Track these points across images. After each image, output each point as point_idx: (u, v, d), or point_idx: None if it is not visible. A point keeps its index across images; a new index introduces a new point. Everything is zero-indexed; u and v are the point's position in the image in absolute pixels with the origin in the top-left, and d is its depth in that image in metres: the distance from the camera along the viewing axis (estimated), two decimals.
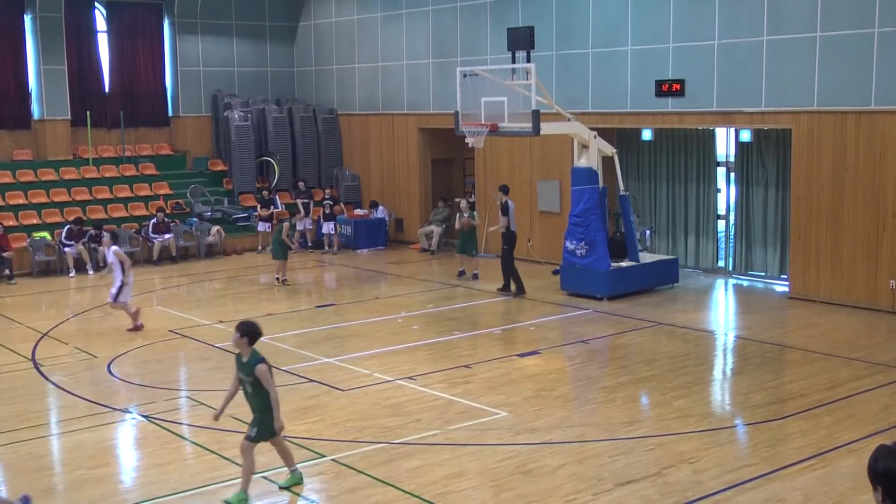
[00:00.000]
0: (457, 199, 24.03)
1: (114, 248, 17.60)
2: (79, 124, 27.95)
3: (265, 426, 9.74)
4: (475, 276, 21.84)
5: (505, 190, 20.75)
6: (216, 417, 10.10)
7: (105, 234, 18.40)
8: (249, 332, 9.87)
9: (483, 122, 18.98)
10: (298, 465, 10.24)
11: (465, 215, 22.04)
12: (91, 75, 28.66)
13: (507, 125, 18.78)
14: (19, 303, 20.87)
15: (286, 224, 22.37)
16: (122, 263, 17.38)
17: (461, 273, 22.09)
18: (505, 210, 20.24)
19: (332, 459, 10.81)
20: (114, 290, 17.39)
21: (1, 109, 27.27)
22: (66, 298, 21.51)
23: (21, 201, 25.92)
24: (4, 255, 23.02)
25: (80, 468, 10.84)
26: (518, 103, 18.72)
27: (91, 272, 23.81)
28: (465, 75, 19.65)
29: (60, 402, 13.55)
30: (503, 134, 19.26)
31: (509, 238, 20.21)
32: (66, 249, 23.99)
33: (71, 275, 23.65)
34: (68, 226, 24.38)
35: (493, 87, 19.30)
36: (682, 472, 10.25)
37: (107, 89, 28.96)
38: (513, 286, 20.03)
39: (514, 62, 19.04)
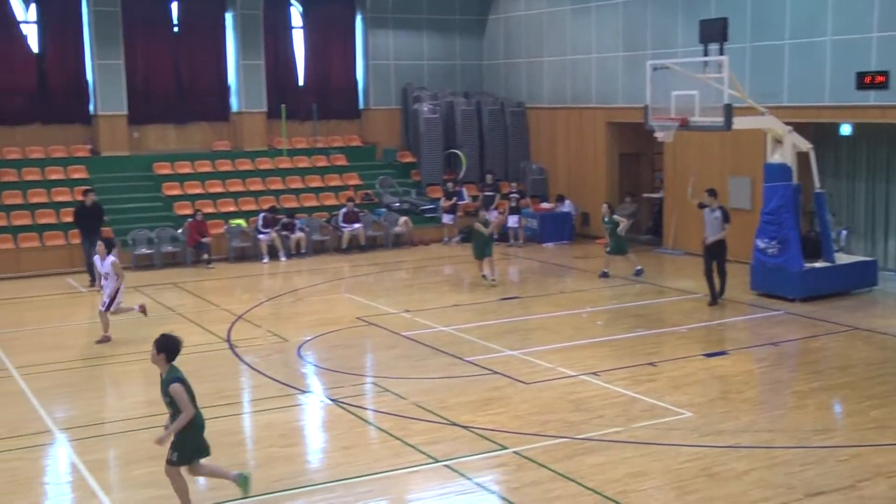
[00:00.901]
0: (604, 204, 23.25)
1: (111, 258, 16.63)
2: (274, 116, 28.97)
3: (184, 448, 9.15)
4: (638, 273, 21.49)
5: (714, 194, 18.98)
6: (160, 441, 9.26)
7: (99, 242, 17.11)
8: (166, 347, 9.23)
9: (673, 116, 18.63)
10: (480, 455, 10.28)
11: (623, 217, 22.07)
12: (286, 69, 29.66)
13: (698, 119, 18.38)
14: (216, 286, 21.82)
15: (484, 215, 22.16)
16: (116, 275, 16.58)
17: (604, 274, 21.67)
18: (727, 217, 18.56)
19: (514, 452, 10.85)
20: (106, 300, 16.53)
21: (203, 102, 28.58)
22: (260, 283, 22.36)
23: (219, 190, 27.10)
24: (203, 240, 24.13)
25: (271, 446, 11.26)
26: (710, 97, 18.29)
27: (283, 258, 24.68)
28: (655, 69, 19.33)
29: (253, 382, 14.11)
30: (694, 128, 18.85)
31: (721, 247, 18.68)
32: (261, 237, 24.93)
33: (264, 261, 24.56)
34: (263, 214, 25.33)
35: (684, 81, 18.91)
36: (879, 486, 9.79)
37: (301, 83, 29.91)
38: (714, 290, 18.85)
39: (706, 55, 18.60)
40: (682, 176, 23.83)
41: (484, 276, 20.90)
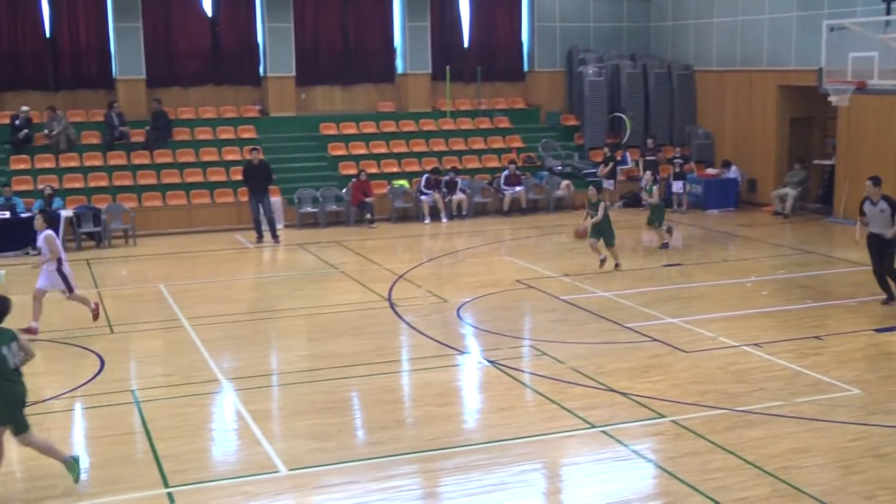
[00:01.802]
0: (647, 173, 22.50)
1: (46, 232, 14.83)
2: (439, 78, 29.14)
3: (5, 413, 9.01)
4: (664, 246, 20.87)
5: (878, 182, 15.74)
6: None
7: (38, 216, 15.25)
8: None
9: (850, 79, 17.86)
10: (637, 422, 10.18)
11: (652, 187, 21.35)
12: (452, 31, 29.74)
13: (876, 83, 17.59)
14: (378, 246, 22.22)
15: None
16: (50, 251, 14.73)
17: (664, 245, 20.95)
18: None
19: (672, 420, 10.69)
20: (55, 282, 14.83)
21: (368, 64, 28.98)
22: (421, 244, 22.64)
23: (383, 150, 27.49)
24: (367, 200, 24.56)
25: (428, 405, 11.43)
26: (890, 59, 17.43)
27: (444, 220, 24.90)
28: (832, 29, 18.55)
29: (412, 342, 14.32)
30: (872, 92, 18.07)
31: (888, 245, 15.54)
32: (423, 197, 25.20)
33: (426, 221, 24.83)
34: (426, 175, 25.58)
35: (862, 42, 18.07)
36: None
37: (466, 44, 29.95)
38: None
39: (888, 13, 17.73)
40: (855, 142, 22.85)
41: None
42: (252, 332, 14.93)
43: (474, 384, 12.62)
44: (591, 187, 19.25)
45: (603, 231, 18.65)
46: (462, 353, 13.63)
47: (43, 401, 11.65)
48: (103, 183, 24.57)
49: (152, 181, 24.99)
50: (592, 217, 18.65)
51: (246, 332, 14.79)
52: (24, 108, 25.34)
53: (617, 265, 18.58)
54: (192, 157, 25.99)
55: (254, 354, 13.69)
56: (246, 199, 23.16)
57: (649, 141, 27.36)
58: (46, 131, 25.29)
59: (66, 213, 22.11)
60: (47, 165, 24.78)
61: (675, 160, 26.58)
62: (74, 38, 26.66)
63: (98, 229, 22.43)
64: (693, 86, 29.16)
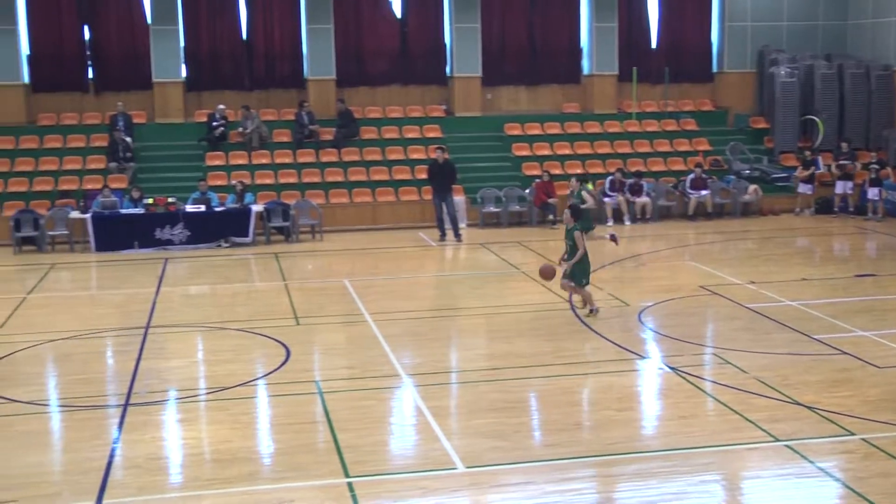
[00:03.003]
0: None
1: None
2: (625, 79, 28.82)
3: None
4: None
5: None
6: None
7: None
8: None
9: None
10: (824, 438, 9.81)
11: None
12: (640, 31, 29.37)
13: None
14: (560, 247, 22.06)
15: None
16: None
17: None
18: None
19: (862, 439, 10.23)
20: None
21: (554, 64, 28.96)
22: (603, 246, 22.37)
23: (567, 151, 27.39)
24: (550, 201, 24.52)
25: (607, 409, 11.31)
26: None
27: (628, 222, 24.62)
28: None
29: (592, 344, 14.20)
30: None
31: None
32: (607, 199, 24.98)
33: (608, 224, 24.60)
34: (611, 177, 25.35)
35: None
36: None
37: (654, 45, 29.51)
38: None
39: None
40: None
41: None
42: (433, 329, 15.14)
43: (654, 390, 12.42)
44: (566, 210, 15.98)
45: (574, 269, 15.44)
46: (642, 357, 13.45)
47: (231, 387, 12.15)
48: (293, 179, 25.43)
49: (339, 178, 25.70)
50: (567, 252, 15.60)
51: (427, 329, 15.01)
52: (221, 106, 26.50)
53: (592, 310, 15.48)
54: (379, 156, 26.57)
55: (434, 351, 13.88)
56: (430, 197, 23.51)
57: (843, 145, 26.32)
58: (240, 129, 26.37)
59: (256, 207, 22.97)
60: (240, 162, 25.84)
61: (871, 166, 25.45)
62: (269, 39, 27.72)
63: (287, 224, 23.22)
64: (893, 87, 27.84)
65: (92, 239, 22.29)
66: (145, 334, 14.86)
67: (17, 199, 23.96)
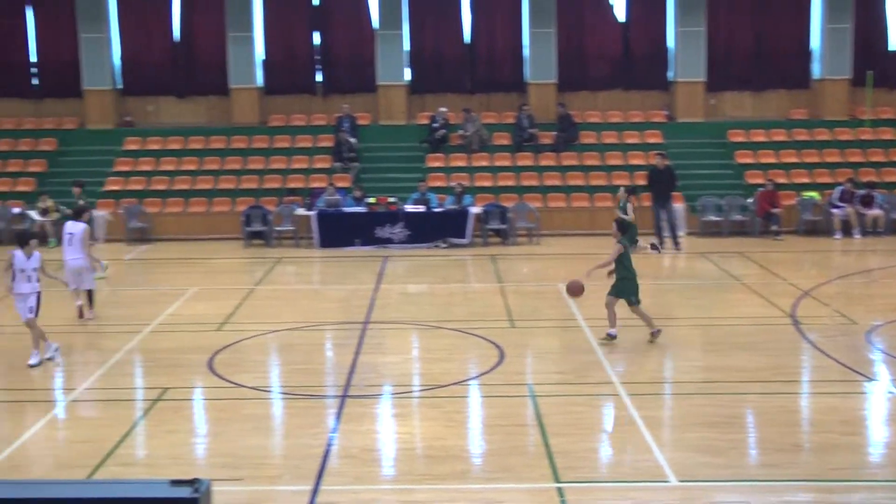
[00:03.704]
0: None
1: (38, 254, 13.56)
2: (858, 84, 27.53)
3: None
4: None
5: None
6: None
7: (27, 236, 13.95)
8: None
9: None
10: None
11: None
12: (876, 32, 27.98)
13: None
14: (783, 259, 21.39)
15: None
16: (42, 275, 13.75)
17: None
18: None
19: None
20: (33, 304, 13.47)
21: (781, 68, 28.00)
22: (830, 260, 21.55)
23: (793, 160, 26.43)
24: (774, 211, 23.71)
25: (830, 432, 10.82)
26: None
27: (857, 235, 23.53)
28: None
29: (815, 363, 13.65)
30: None
31: None
32: (835, 210, 23.93)
33: (836, 236, 23.57)
34: (841, 187, 24.27)
35: None
36: None
37: (891, 47, 28.04)
38: None
39: None
40: None
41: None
42: (647, 337, 14.90)
43: (883, 415, 11.80)
44: (613, 223, 15.03)
45: (619, 286, 14.31)
46: (870, 380, 12.79)
47: (446, 385, 12.37)
48: (511, 182, 25.64)
49: (558, 182, 25.72)
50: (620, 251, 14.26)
51: (641, 338, 14.79)
52: (442, 109, 27.00)
53: (654, 333, 14.39)
54: (598, 161, 26.42)
55: (648, 360, 13.69)
56: (649, 204, 23.19)
57: None
58: (461, 132, 26.81)
59: (475, 209, 23.28)
60: (460, 164, 26.26)
61: None
62: (491, 43, 28.09)
63: (504, 227, 23.43)
64: None
65: (316, 235, 23.19)
66: (364, 329, 15.33)
67: (247, 195, 25.23)
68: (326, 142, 27.15)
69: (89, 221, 17.45)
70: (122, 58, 28.47)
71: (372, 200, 23.43)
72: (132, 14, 28.29)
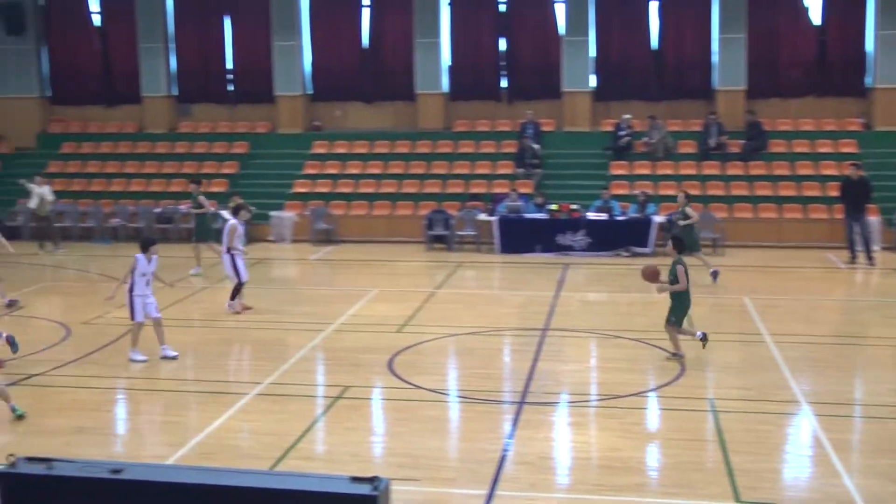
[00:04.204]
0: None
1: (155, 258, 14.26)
2: None
3: None
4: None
5: None
6: None
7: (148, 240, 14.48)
8: None
9: None
10: None
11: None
12: None
13: None
14: None
15: None
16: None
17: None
18: None
19: None
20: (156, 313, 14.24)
21: None
22: None
23: None
24: None
25: None
26: None
27: None
28: None
29: None
30: None
31: None
32: None
33: None
34: None
35: None
36: None
37: None
38: None
39: None
40: None
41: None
42: (836, 356, 14.33)
43: None
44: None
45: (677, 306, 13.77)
46: None
47: (624, 396, 12.21)
48: (696, 192, 25.08)
49: (745, 192, 25.04)
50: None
51: (830, 356, 14.23)
52: (627, 116, 26.70)
53: (676, 355, 13.82)
54: (787, 171, 25.58)
55: (837, 380, 13.13)
56: (841, 216, 22.29)
57: None
58: (646, 139, 26.43)
59: (658, 218, 22.90)
60: (644, 172, 25.91)
61: None
62: (679, 49, 27.62)
63: None
64: None
65: (497, 240, 23.31)
66: (543, 336, 15.29)
67: (431, 199, 25.58)
68: (510, 147, 27.25)
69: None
70: (313, 64, 29.37)
71: (554, 207, 23.39)
72: (323, 22, 29.15)
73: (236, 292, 17.20)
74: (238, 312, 17.02)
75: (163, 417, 11.96)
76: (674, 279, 13.66)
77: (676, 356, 13.77)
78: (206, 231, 21.48)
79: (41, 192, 24.37)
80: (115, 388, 13.09)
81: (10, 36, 29.67)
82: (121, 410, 12.50)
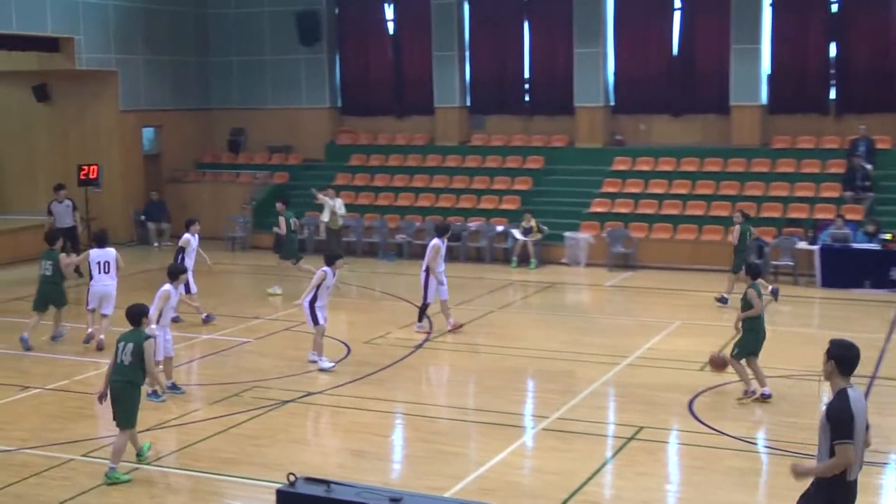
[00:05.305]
0: None
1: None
2: None
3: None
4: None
5: None
6: None
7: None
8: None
9: None
10: None
11: None
12: None
13: None
14: None
15: None
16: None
17: None
18: None
19: None
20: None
21: None
22: None
23: None
24: None
25: None
26: None
27: None
28: None
29: None
30: None
31: None
32: None
33: None
34: None
35: None
36: None
37: None
38: None
39: None
40: None
41: None
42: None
43: None
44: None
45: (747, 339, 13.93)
46: None
47: None
48: None
49: None
50: None
51: None
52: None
53: (748, 392, 13.85)
54: None
55: None
56: None
57: None
58: None
59: None
60: None
61: None
62: None
63: None
64: None
65: (818, 273, 22.35)
66: (870, 385, 14.46)
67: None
68: (837, 168, 26.02)
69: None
70: (616, 73, 29.30)
71: (888, 237, 22.14)
72: (630, 27, 29.02)
73: (422, 312, 17.98)
74: (449, 330, 17.86)
75: (442, 447, 12.22)
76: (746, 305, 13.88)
77: (749, 394, 13.76)
78: (291, 251, 22.30)
79: (333, 205, 25.66)
80: (392, 412, 13.52)
81: (305, 46, 31.46)
82: (398, 435, 12.89)
